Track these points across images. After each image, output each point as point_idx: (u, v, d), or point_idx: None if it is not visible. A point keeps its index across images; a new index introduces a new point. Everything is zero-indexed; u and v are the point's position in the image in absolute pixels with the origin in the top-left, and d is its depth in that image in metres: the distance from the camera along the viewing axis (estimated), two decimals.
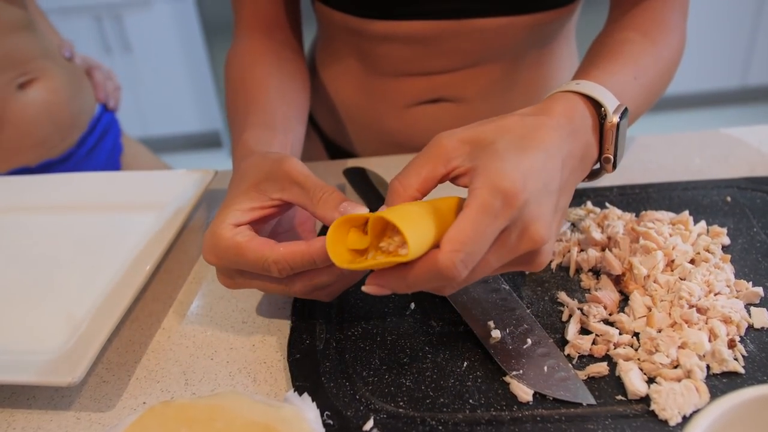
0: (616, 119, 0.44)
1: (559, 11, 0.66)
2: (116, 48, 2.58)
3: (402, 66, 0.70)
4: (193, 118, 2.80)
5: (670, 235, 0.51)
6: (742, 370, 0.41)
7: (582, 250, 0.52)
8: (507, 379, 0.42)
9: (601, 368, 0.42)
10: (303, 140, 0.60)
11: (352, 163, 0.71)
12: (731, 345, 0.42)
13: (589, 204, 0.58)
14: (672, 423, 0.38)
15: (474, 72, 0.70)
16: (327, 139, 0.85)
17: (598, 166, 0.47)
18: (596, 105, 0.45)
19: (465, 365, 0.43)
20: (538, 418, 0.39)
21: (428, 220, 0.37)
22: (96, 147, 0.92)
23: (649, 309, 0.45)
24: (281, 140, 0.54)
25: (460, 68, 0.70)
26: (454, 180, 0.40)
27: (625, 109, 0.45)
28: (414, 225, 0.36)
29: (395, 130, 0.75)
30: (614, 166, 0.46)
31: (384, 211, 0.37)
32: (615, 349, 0.43)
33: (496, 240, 0.37)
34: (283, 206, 0.46)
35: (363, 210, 0.42)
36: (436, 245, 0.36)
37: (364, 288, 0.38)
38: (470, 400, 0.41)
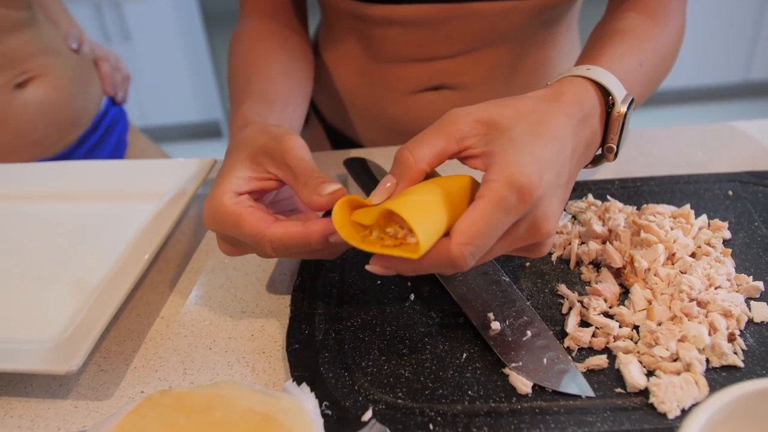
0: (623, 109, 0.44)
1: None
2: (115, 37, 2.57)
3: (404, 51, 0.70)
4: (192, 108, 2.79)
5: (672, 229, 0.51)
6: (741, 364, 0.41)
7: (583, 243, 0.52)
8: (506, 370, 0.42)
9: (601, 361, 0.42)
10: (303, 118, 0.59)
11: (353, 153, 0.71)
12: (731, 339, 0.42)
13: (590, 197, 0.57)
14: (671, 416, 0.38)
15: (476, 57, 0.70)
16: (329, 127, 0.84)
17: (599, 152, 0.47)
18: (604, 92, 0.44)
19: (464, 357, 0.43)
20: (537, 410, 0.39)
21: (440, 211, 0.37)
22: (98, 145, 0.88)
23: (650, 302, 0.45)
24: (279, 114, 0.53)
25: (462, 53, 0.69)
26: (464, 160, 0.40)
27: (632, 99, 0.45)
28: (426, 222, 0.35)
29: (397, 117, 0.75)
30: (615, 155, 0.46)
31: (396, 204, 0.36)
32: (615, 341, 0.43)
33: (504, 232, 0.37)
34: (281, 180, 0.45)
35: (337, 187, 0.41)
36: (445, 232, 0.36)
37: (368, 267, 0.38)
38: (469, 392, 0.41)
